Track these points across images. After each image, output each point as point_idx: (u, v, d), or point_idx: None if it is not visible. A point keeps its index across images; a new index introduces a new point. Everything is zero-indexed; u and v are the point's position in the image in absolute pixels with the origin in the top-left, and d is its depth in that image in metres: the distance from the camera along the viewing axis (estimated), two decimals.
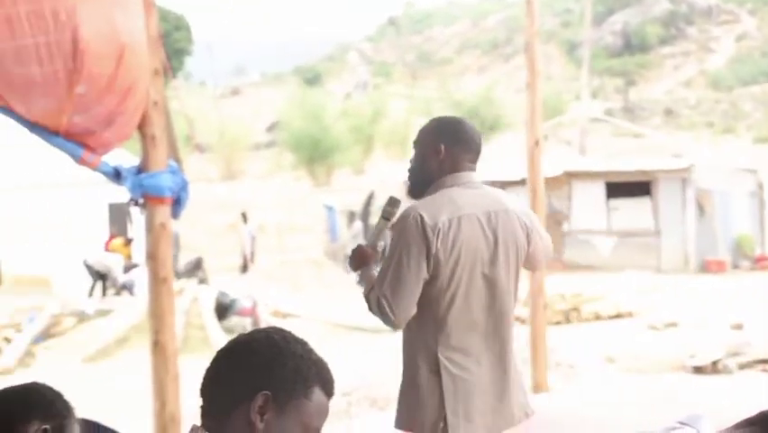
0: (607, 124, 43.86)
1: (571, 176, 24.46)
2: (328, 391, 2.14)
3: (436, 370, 3.64)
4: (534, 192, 8.92)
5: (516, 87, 51.40)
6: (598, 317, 15.61)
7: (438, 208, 3.63)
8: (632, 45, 58.95)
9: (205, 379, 2.15)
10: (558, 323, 14.67)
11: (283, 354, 2.08)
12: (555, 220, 23.44)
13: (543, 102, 9.07)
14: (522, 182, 10.31)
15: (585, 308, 15.86)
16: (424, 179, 3.79)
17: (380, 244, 3.88)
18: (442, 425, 3.62)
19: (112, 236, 24.30)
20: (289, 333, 2.16)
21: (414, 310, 3.60)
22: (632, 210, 24.13)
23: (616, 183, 24.35)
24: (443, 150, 3.75)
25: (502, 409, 3.73)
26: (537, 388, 9.02)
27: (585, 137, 39.86)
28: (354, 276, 3.89)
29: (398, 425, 3.85)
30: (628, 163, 26.37)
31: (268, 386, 2.05)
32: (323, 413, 2.13)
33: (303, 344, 2.13)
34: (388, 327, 11.78)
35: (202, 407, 2.14)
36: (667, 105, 53.58)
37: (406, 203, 3.81)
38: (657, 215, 23.92)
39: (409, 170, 3.91)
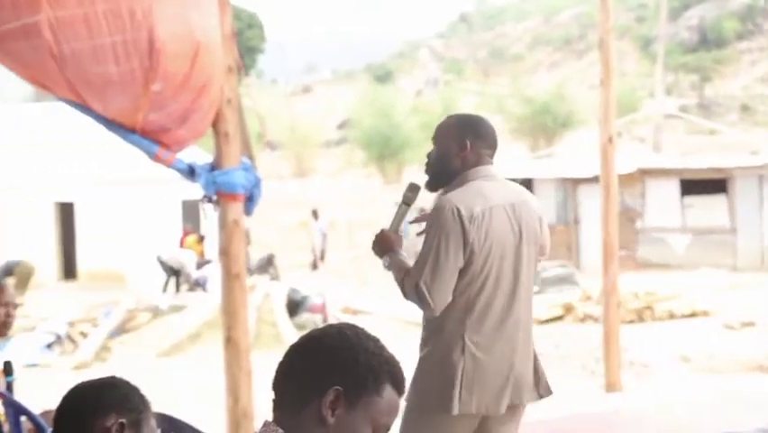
0: (681, 120, 43.24)
1: (644, 173, 24.18)
2: (399, 388, 2.13)
3: (461, 352, 3.76)
4: (607, 189, 8.82)
5: (588, 84, 50.86)
6: (672, 316, 15.41)
7: (471, 200, 3.77)
8: (708, 40, 58.08)
9: (277, 373, 2.15)
10: (631, 322, 14.51)
11: (355, 349, 2.08)
12: (629, 218, 23.20)
13: (616, 98, 8.97)
14: (595, 179, 10.21)
15: (659, 306, 15.67)
16: (446, 173, 3.93)
17: (401, 228, 4.03)
18: (456, 399, 3.75)
19: (186, 233, 24.56)
20: (362, 329, 2.16)
21: (450, 297, 3.73)
22: (707, 208, 23.78)
23: (690, 180, 24.02)
24: (469, 145, 3.90)
25: (521, 388, 3.95)
26: (610, 387, 8.93)
27: (659, 134, 39.33)
28: (382, 261, 3.95)
29: (410, 400, 3.89)
30: (703, 160, 25.99)
31: (340, 382, 2.05)
32: (393, 410, 2.12)
33: (375, 340, 2.14)
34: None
35: (274, 401, 2.15)
36: (743, 101, 52.66)
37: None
38: (733, 212, 23.54)
39: (429, 164, 4.03)
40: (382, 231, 3.95)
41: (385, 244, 3.92)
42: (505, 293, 3.85)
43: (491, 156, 4.01)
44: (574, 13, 67.23)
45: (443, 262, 3.69)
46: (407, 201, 3.98)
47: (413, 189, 3.99)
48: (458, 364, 3.75)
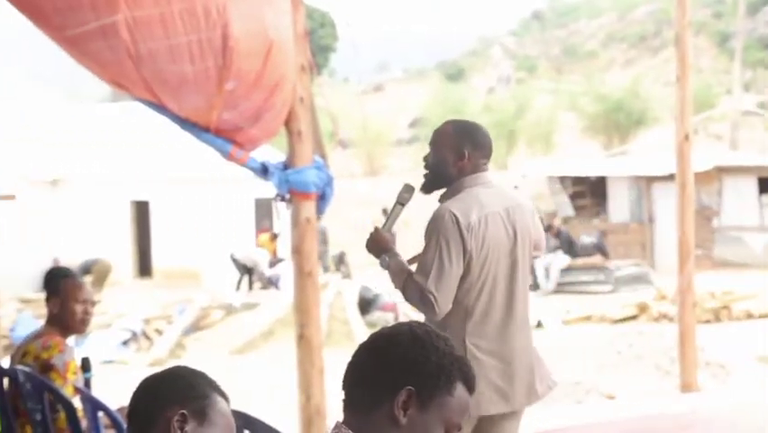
0: (760, 117, 42.48)
1: (721, 171, 23.80)
2: (470, 386, 2.12)
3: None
4: (683, 187, 8.69)
5: (663, 81, 50.16)
6: (749, 316, 15.17)
7: (468, 207, 3.88)
8: None
9: (347, 373, 2.14)
10: (708, 321, 14.31)
11: (427, 349, 2.07)
12: (705, 216, 22.86)
13: (693, 95, 8.83)
14: (670, 177, 10.07)
15: (736, 306, 15.43)
16: (442, 179, 4.03)
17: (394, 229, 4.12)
18: None
19: (262, 231, 24.75)
20: (432, 328, 2.14)
21: (451, 302, 3.84)
22: None
23: None
24: (467, 155, 3.99)
25: (526, 385, 4.05)
26: (686, 387, 8.79)
27: (736, 131, 38.68)
28: (379, 261, 4.01)
29: None
30: None
31: (412, 382, 2.04)
32: (464, 409, 2.11)
33: (445, 339, 2.12)
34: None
35: (344, 401, 2.14)
36: None
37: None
38: None
39: (427, 168, 4.11)
40: (377, 230, 4.02)
41: (381, 244, 4.00)
42: (503, 295, 3.96)
43: (487, 163, 4.10)
44: (649, 10, 66.39)
45: (446, 269, 3.80)
46: (402, 201, 4.05)
47: (408, 190, 4.07)
48: None
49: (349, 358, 2.13)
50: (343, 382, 2.15)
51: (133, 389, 2.42)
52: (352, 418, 2.10)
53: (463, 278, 3.87)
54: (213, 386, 2.42)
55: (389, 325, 2.23)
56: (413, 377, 2.04)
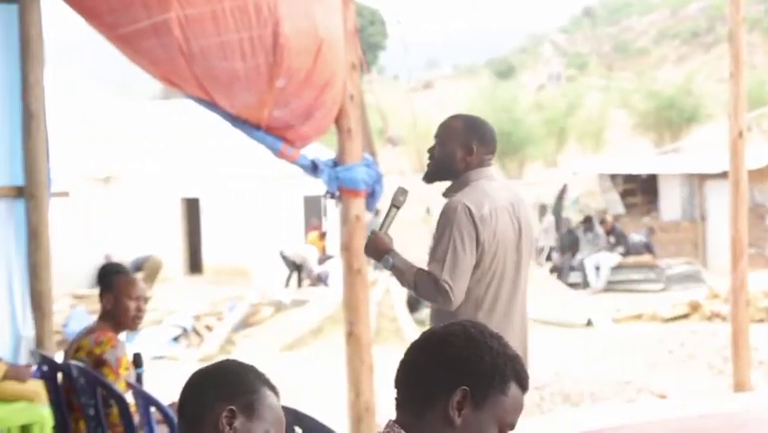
0: None
1: None
2: (524, 385, 2.10)
3: None
4: (736, 185, 8.59)
5: (716, 78, 49.65)
6: None
7: (480, 200, 3.96)
8: None
9: (399, 372, 2.13)
10: (761, 321, 14.11)
11: (481, 348, 2.06)
12: (758, 214, 22.58)
13: (746, 92, 8.72)
14: (722, 175, 9.98)
15: None
16: (448, 172, 4.10)
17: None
18: None
19: (312, 228, 24.82)
20: (485, 327, 2.13)
21: (464, 293, 3.92)
22: None
23: None
24: (475, 149, 4.05)
25: None
26: (739, 387, 8.70)
27: None
28: (382, 261, 4.05)
29: None
30: None
31: (466, 381, 2.03)
32: (518, 409, 2.10)
33: (498, 338, 2.11)
34: (579, 322, 11.56)
35: (396, 400, 2.12)
36: None
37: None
38: None
39: (433, 160, 4.16)
40: (375, 232, 4.07)
41: (382, 245, 4.04)
42: (508, 287, 4.05)
43: (491, 159, 4.17)
44: (702, 6, 65.72)
45: (461, 259, 3.87)
46: (397, 204, 4.10)
47: (402, 193, 4.11)
48: None
49: (398, 356, 2.12)
50: (396, 381, 2.13)
51: (183, 384, 2.42)
52: (405, 417, 2.08)
53: (475, 268, 3.94)
54: (262, 379, 2.41)
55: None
56: (467, 377, 2.03)
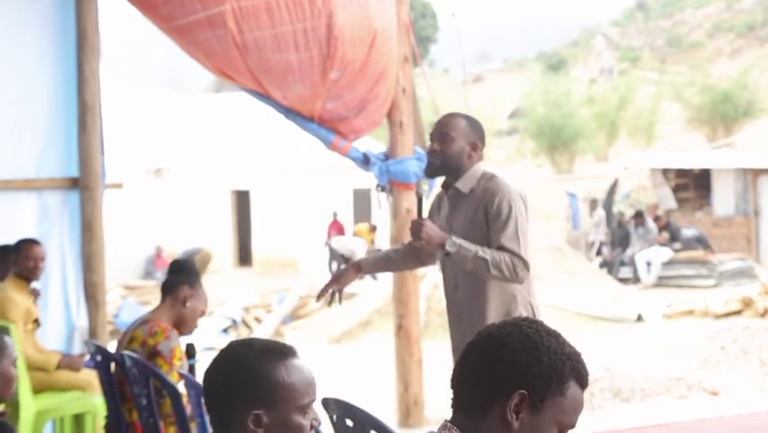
0: None
1: None
2: (583, 383, 2.07)
3: (532, 315, 4.16)
4: None
5: None
6: None
7: (518, 189, 4.26)
8: None
9: (456, 373, 2.11)
10: None
11: (538, 349, 2.02)
12: None
13: None
14: None
15: None
16: (456, 167, 4.25)
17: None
18: None
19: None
20: (542, 324, 2.09)
21: None
22: None
23: None
24: (479, 144, 4.30)
25: None
26: None
27: None
28: (447, 245, 4.10)
29: None
30: None
31: (523, 384, 2.00)
32: (578, 408, 2.06)
33: (556, 336, 2.07)
34: (629, 317, 11.52)
35: (453, 401, 2.11)
36: None
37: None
38: None
39: (439, 154, 4.27)
40: (425, 219, 4.16)
41: (437, 231, 4.13)
42: None
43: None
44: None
45: (528, 240, 4.17)
46: (422, 194, 4.28)
47: (425, 183, 4.38)
48: None
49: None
50: (452, 382, 2.11)
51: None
52: (462, 419, 2.07)
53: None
54: (269, 355, 2.32)
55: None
56: (525, 380, 2.00)
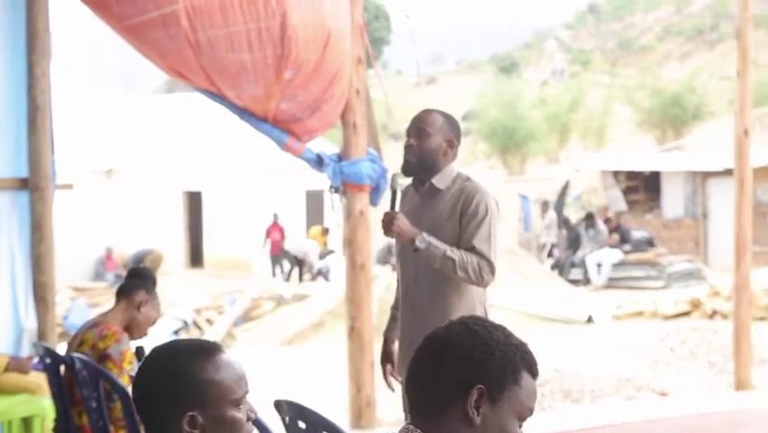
0: None
1: None
2: (534, 372, 2.11)
3: (485, 315, 4.16)
4: (741, 183, 8.57)
5: (720, 75, 49.64)
6: None
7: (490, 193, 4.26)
8: None
9: (410, 379, 2.12)
10: (762, 319, 14.09)
11: (488, 344, 2.05)
12: (761, 213, 22.51)
13: (753, 90, 8.69)
14: (725, 173, 9.95)
15: None
16: (432, 164, 4.22)
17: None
18: None
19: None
20: (487, 320, 2.12)
21: None
22: None
23: None
24: (455, 142, 4.29)
25: None
26: (741, 385, 8.69)
27: None
28: (417, 240, 4.10)
29: None
30: None
31: (480, 379, 2.03)
32: (533, 395, 2.10)
33: (502, 329, 2.10)
34: (580, 318, 11.58)
35: (410, 406, 2.12)
36: None
37: None
38: None
39: (416, 150, 4.25)
40: (397, 213, 4.13)
41: (409, 226, 4.11)
42: None
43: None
44: (706, 3, 65.68)
45: (496, 242, 4.18)
46: (396, 188, 4.24)
47: (400, 176, 4.27)
48: None
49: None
50: (406, 387, 2.13)
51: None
52: (422, 421, 2.08)
53: None
54: (199, 352, 2.30)
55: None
56: (481, 375, 2.03)
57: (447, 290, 4.18)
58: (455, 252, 4.05)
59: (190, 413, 2.25)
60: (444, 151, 4.23)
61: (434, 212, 4.19)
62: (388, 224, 4.10)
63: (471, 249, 4.07)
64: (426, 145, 4.22)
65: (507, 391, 2.05)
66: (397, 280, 4.45)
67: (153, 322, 4.66)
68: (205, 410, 2.26)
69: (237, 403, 2.31)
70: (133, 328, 4.61)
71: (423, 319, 4.16)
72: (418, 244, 4.05)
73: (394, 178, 4.23)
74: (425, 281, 4.23)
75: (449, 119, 4.32)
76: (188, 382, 2.26)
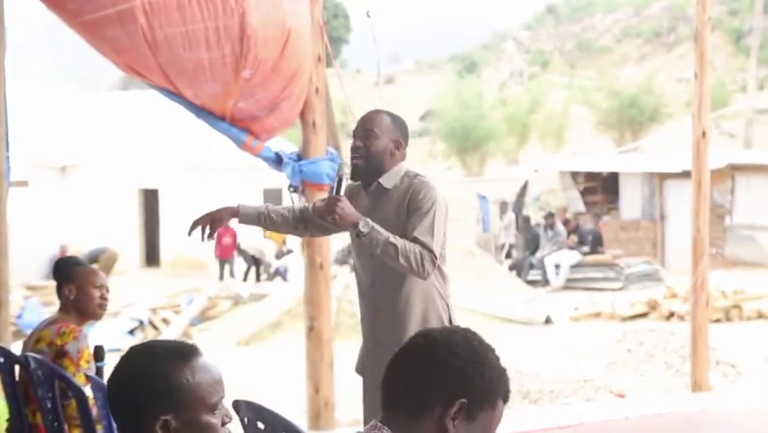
0: None
1: (735, 169, 23.63)
2: (507, 399, 2.13)
3: (448, 314, 4.24)
4: (698, 185, 8.62)
5: (677, 78, 50.09)
6: (761, 316, 15.07)
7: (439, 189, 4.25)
8: None
9: (392, 372, 2.10)
10: (718, 321, 14.23)
11: (483, 363, 2.07)
12: (717, 214, 22.75)
13: (710, 92, 8.74)
14: (682, 174, 10.00)
15: (747, 305, 15.34)
16: (380, 166, 4.20)
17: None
18: None
19: None
20: (483, 338, 2.13)
21: None
22: None
23: None
24: (402, 143, 4.25)
25: None
26: (698, 387, 8.74)
27: (751, 129, 38.54)
28: (360, 224, 4.07)
29: None
30: None
31: (465, 394, 2.03)
32: (499, 421, 2.12)
33: (493, 351, 2.12)
34: (538, 319, 11.64)
35: (385, 401, 2.10)
36: None
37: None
38: None
39: (362, 151, 4.21)
40: (341, 197, 4.09)
41: (352, 210, 4.08)
42: None
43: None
44: (664, 6, 66.25)
45: (443, 235, 4.12)
46: (343, 175, 4.21)
47: (347, 165, 4.40)
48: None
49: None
50: (385, 381, 2.10)
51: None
52: (394, 420, 2.07)
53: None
54: (174, 356, 2.25)
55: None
56: (467, 390, 2.04)
57: (409, 291, 4.16)
58: (398, 240, 4.01)
59: (164, 417, 2.19)
60: (392, 151, 4.21)
61: (382, 211, 4.16)
62: (332, 206, 4.06)
63: (414, 240, 4.03)
64: (373, 146, 4.19)
65: (484, 412, 2.06)
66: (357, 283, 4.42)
67: (98, 296, 4.58)
68: (179, 415, 2.21)
69: (213, 408, 2.27)
70: (84, 314, 4.57)
71: (387, 319, 4.17)
72: (361, 228, 4.01)
73: (341, 166, 4.20)
74: (382, 284, 4.21)
75: (396, 119, 4.29)
76: (163, 384, 2.21)
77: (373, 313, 4.28)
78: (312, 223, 4.49)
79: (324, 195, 6.77)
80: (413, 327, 4.13)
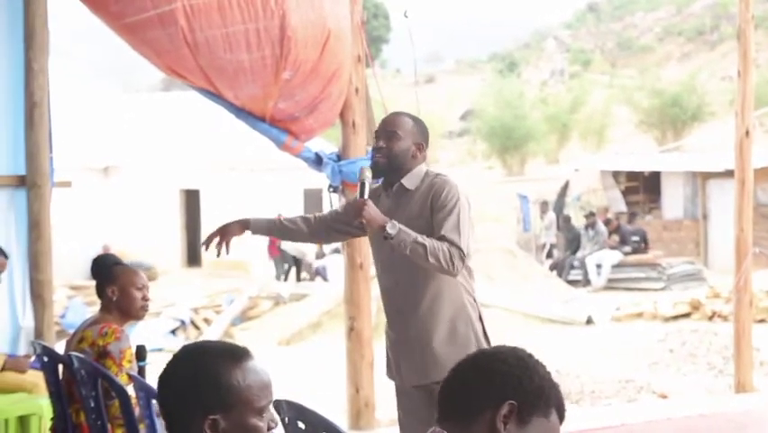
0: None
1: None
2: (562, 415, 2.16)
3: (477, 311, 4.28)
4: (742, 184, 8.54)
5: (720, 76, 49.59)
6: None
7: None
8: None
9: (445, 390, 2.16)
10: (762, 321, 14.06)
11: (530, 369, 2.11)
12: (761, 214, 22.49)
13: (753, 90, 8.66)
14: (726, 173, 9.91)
15: None
16: (401, 166, 4.25)
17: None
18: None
19: None
20: (532, 354, 2.18)
21: None
22: None
23: None
24: (424, 145, 4.32)
25: None
26: (741, 388, 8.66)
27: None
28: (387, 227, 4.07)
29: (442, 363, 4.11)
30: None
31: (514, 396, 2.07)
32: None
33: (543, 366, 2.16)
34: (579, 319, 11.58)
35: (440, 410, 2.16)
36: None
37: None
38: None
39: (385, 151, 4.26)
40: (366, 200, 4.10)
41: (379, 213, 4.09)
42: None
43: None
44: (707, 4, 65.62)
45: (470, 232, 4.16)
46: (365, 180, 4.19)
47: (368, 170, 4.26)
48: (478, 320, 4.29)
49: None
50: (441, 392, 2.17)
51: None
52: (449, 425, 2.11)
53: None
54: (229, 357, 2.28)
55: None
56: (516, 393, 2.07)
57: (434, 287, 4.18)
58: (426, 239, 4.03)
59: (212, 417, 2.22)
60: (414, 153, 4.27)
61: (405, 212, 4.19)
62: (358, 210, 4.07)
63: (441, 238, 4.06)
64: (396, 147, 4.25)
65: (536, 418, 2.09)
66: (380, 285, 4.42)
67: (141, 298, 4.61)
68: (227, 416, 2.24)
69: (261, 412, 2.29)
70: (126, 315, 4.60)
71: (412, 319, 4.20)
72: (389, 230, 4.03)
73: (362, 170, 4.23)
74: (406, 285, 4.23)
75: (418, 122, 4.34)
76: (215, 385, 2.24)
77: (397, 314, 4.31)
78: (333, 229, 4.56)
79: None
80: (442, 327, 4.19)
